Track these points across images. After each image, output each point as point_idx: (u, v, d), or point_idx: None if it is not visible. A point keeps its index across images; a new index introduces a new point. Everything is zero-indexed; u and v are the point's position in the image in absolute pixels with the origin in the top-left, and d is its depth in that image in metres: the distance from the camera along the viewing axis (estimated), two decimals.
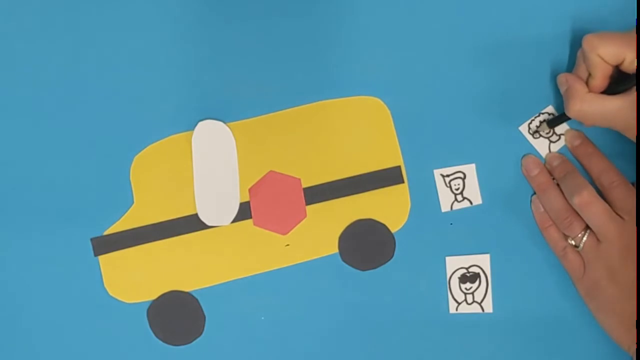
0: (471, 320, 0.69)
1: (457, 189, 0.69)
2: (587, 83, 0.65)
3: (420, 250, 0.69)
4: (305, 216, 0.68)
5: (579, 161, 0.69)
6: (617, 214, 0.65)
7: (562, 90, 0.66)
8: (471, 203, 0.69)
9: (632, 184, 0.67)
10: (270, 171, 0.69)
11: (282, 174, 0.69)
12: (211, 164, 0.67)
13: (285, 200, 0.68)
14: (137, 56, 0.69)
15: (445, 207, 0.69)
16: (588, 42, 0.63)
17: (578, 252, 0.67)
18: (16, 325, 0.68)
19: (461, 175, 0.69)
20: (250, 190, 0.68)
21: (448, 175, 0.69)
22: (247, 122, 0.69)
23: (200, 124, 0.67)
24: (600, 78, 0.64)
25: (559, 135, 0.69)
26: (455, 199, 0.69)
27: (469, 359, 0.69)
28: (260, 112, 0.69)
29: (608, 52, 0.62)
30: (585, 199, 0.65)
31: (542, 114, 0.69)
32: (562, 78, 0.66)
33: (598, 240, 0.65)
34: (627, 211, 0.65)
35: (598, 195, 0.65)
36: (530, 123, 0.69)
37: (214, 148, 0.67)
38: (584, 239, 0.66)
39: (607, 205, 0.65)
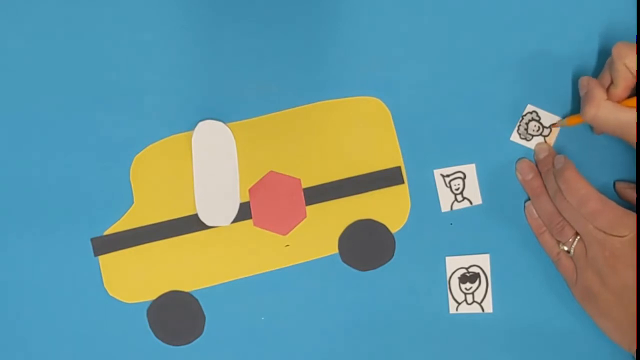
0: (471, 320, 0.69)
1: (457, 189, 0.69)
2: (608, 91, 0.65)
3: (420, 250, 0.69)
4: (305, 216, 0.68)
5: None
6: None
7: (582, 93, 0.66)
8: (471, 203, 0.69)
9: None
10: (271, 171, 0.69)
11: (282, 174, 0.69)
12: (211, 164, 0.67)
13: (286, 201, 0.68)
14: (137, 56, 0.69)
15: (445, 207, 0.69)
16: (617, 49, 0.63)
17: (571, 257, 0.66)
18: (16, 325, 0.68)
19: (461, 175, 0.69)
20: (250, 190, 0.68)
21: (448, 175, 0.69)
22: (247, 122, 0.69)
23: (200, 124, 0.67)
24: (622, 88, 0.63)
25: (550, 128, 0.69)
26: (455, 199, 0.69)
27: (469, 359, 0.69)
28: (260, 112, 0.69)
29: (635, 63, 0.62)
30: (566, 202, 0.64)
31: (525, 115, 0.69)
32: (584, 81, 0.66)
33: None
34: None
35: None
36: (519, 130, 0.69)
37: (214, 148, 0.67)
38: (574, 244, 0.65)
39: None
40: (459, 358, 0.69)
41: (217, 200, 0.67)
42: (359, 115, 0.69)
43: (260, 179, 0.69)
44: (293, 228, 0.68)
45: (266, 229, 0.68)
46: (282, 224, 0.68)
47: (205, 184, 0.67)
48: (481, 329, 0.69)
